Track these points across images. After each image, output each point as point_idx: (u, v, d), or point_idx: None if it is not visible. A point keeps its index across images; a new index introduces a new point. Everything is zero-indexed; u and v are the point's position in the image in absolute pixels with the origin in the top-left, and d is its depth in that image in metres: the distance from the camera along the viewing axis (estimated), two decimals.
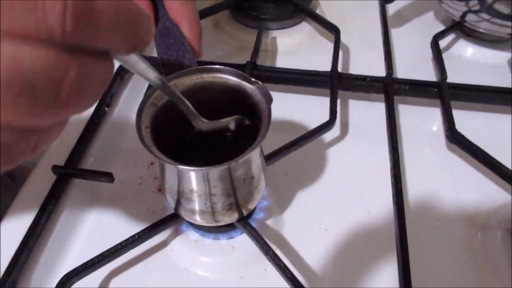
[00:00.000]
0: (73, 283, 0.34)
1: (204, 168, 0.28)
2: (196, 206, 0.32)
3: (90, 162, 0.45)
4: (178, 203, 0.33)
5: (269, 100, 0.30)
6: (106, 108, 0.48)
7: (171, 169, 0.31)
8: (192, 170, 0.28)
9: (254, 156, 0.32)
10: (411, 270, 0.35)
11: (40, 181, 0.41)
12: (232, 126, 0.33)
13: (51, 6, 0.15)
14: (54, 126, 0.19)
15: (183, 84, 0.32)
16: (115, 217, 0.42)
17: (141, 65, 0.23)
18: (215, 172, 0.30)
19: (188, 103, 0.29)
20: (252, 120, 0.31)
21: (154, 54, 0.39)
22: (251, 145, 0.29)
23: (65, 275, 0.33)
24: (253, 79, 0.32)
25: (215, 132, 0.32)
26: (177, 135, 0.32)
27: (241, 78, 0.32)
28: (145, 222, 0.40)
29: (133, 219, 0.41)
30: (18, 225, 0.38)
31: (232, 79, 0.32)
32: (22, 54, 0.15)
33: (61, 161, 0.42)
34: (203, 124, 0.31)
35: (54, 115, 0.17)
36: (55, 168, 0.40)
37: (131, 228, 0.40)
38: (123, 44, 0.19)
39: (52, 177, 0.41)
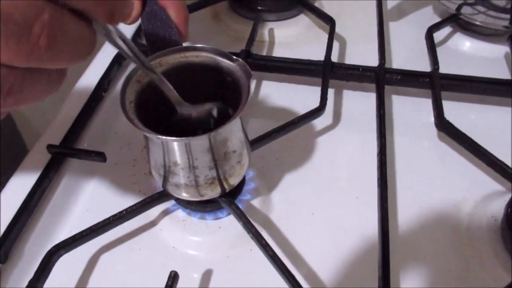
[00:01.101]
0: (61, 255, 0.35)
1: (185, 138, 0.29)
2: (181, 180, 0.33)
3: (85, 144, 0.46)
4: (164, 178, 0.34)
5: (249, 75, 0.31)
6: (103, 93, 0.49)
7: (156, 142, 0.32)
8: (174, 140, 0.29)
9: (235, 129, 0.33)
10: (394, 254, 0.35)
11: (36, 160, 0.42)
12: (214, 112, 0.34)
13: None
14: (46, 74, 0.21)
15: (167, 63, 0.33)
16: (108, 196, 0.43)
17: (120, 42, 0.24)
18: (195, 142, 0.31)
19: (169, 85, 0.30)
20: (234, 97, 0.32)
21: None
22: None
23: (53, 246, 0.34)
24: (234, 57, 0.33)
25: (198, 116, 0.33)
26: (162, 114, 0.34)
27: (223, 56, 0.33)
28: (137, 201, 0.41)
29: (125, 199, 0.43)
30: (13, 200, 0.39)
31: (215, 58, 0.33)
32: None
33: (57, 142, 0.44)
34: (185, 108, 0.32)
35: (30, 54, 0.19)
36: (50, 147, 0.41)
37: (123, 207, 0.41)
38: (99, 9, 0.20)
39: (48, 156, 0.42)
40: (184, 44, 0.35)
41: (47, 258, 0.33)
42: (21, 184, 0.41)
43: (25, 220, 0.38)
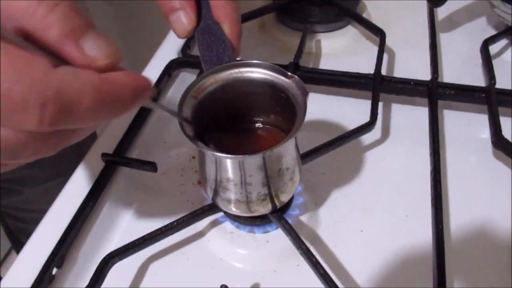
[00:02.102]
0: (115, 262, 0.36)
1: (240, 156, 0.29)
2: (232, 195, 0.33)
3: (136, 152, 0.47)
4: (215, 192, 0.34)
5: (305, 93, 0.31)
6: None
7: (209, 157, 0.32)
8: (228, 158, 0.29)
9: (289, 147, 0.32)
10: (448, 276, 0.34)
11: (90, 167, 0.44)
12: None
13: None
14: None
15: (222, 79, 0.34)
16: (156, 205, 0.44)
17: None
18: (250, 160, 0.31)
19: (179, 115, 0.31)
20: (289, 114, 0.32)
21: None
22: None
23: (107, 255, 0.35)
24: (289, 73, 0.33)
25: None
26: (217, 127, 0.34)
27: (277, 73, 0.33)
28: (185, 212, 0.41)
29: (173, 208, 0.43)
30: (68, 206, 0.41)
31: (269, 74, 0.33)
32: None
33: (110, 150, 0.45)
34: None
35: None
36: (104, 156, 0.43)
37: (171, 217, 0.41)
38: (110, 116, 0.22)
39: (101, 164, 0.44)
40: (237, 60, 0.35)
41: (102, 265, 0.34)
42: (76, 191, 0.42)
43: (80, 226, 0.39)
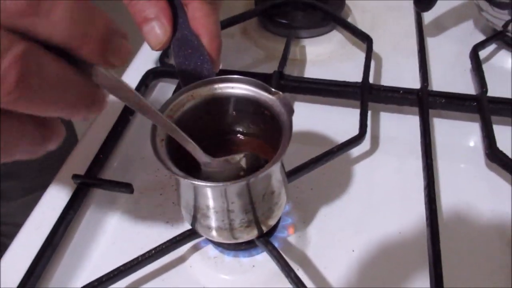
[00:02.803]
0: None
1: (221, 184, 0.27)
2: (213, 223, 0.31)
3: (112, 170, 0.44)
4: (194, 218, 0.32)
5: (290, 111, 0.29)
6: (130, 116, 0.47)
7: (187, 184, 0.29)
8: (209, 186, 0.27)
9: (275, 171, 0.30)
10: None
11: (60, 189, 0.41)
12: (243, 163, 0.31)
13: None
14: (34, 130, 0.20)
15: (200, 95, 0.31)
16: (134, 228, 0.41)
17: (131, 94, 0.22)
18: (233, 188, 0.28)
19: (194, 144, 0.28)
20: (273, 132, 0.30)
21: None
22: (272, 159, 0.27)
23: None
24: (273, 89, 0.30)
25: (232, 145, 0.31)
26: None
27: (260, 88, 0.31)
28: (164, 234, 0.38)
29: (152, 231, 0.40)
30: (37, 233, 0.38)
31: (251, 89, 0.31)
32: None
33: (83, 169, 0.42)
34: (211, 167, 0.30)
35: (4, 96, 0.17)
36: (75, 177, 0.40)
37: (150, 240, 0.39)
38: (84, 46, 0.19)
39: (73, 186, 0.41)
40: (216, 74, 0.33)
41: None
42: (45, 216, 0.39)
43: (50, 255, 0.36)
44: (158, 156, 0.27)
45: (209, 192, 0.28)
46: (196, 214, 0.31)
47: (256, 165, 0.30)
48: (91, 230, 0.40)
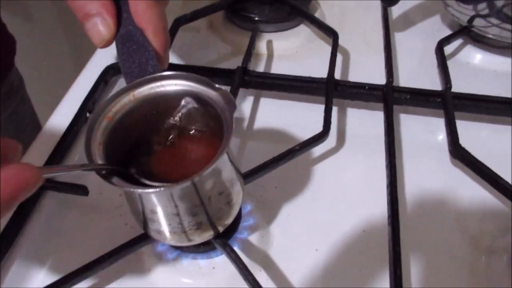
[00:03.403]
0: None
1: (160, 188, 0.25)
2: (162, 227, 0.29)
3: None
4: (144, 223, 0.30)
5: (232, 107, 0.28)
6: (88, 114, 0.45)
7: (127, 191, 0.28)
8: (147, 192, 0.26)
9: (220, 168, 0.29)
10: None
11: None
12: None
13: None
14: None
15: (142, 94, 0.30)
16: (91, 230, 0.39)
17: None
18: (174, 191, 0.27)
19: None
20: (219, 128, 0.28)
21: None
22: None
23: None
24: (216, 86, 0.29)
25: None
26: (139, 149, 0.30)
27: (204, 85, 0.29)
28: (122, 237, 0.37)
29: (110, 233, 0.39)
30: None
31: (195, 86, 0.30)
32: None
33: None
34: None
35: None
36: None
37: (107, 243, 0.37)
38: None
39: None
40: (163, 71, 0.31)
41: None
42: None
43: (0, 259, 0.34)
44: (90, 161, 0.26)
45: (149, 197, 0.27)
46: (144, 219, 0.30)
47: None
48: (46, 233, 0.38)
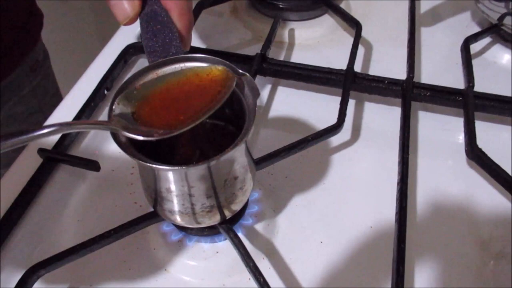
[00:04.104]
0: (41, 275, 0.32)
1: (182, 167, 0.26)
2: (174, 207, 0.30)
3: (82, 146, 0.43)
4: (155, 201, 0.31)
5: (256, 94, 0.28)
6: (106, 92, 0.46)
7: (146, 167, 0.28)
8: (168, 170, 0.26)
9: (237, 155, 0.29)
10: None
11: (26, 164, 0.40)
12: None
13: None
14: None
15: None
16: (101, 206, 0.40)
17: None
18: (193, 171, 0.27)
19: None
20: (239, 114, 0.28)
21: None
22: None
23: (32, 266, 0.31)
24: (240, 71, 0.29)
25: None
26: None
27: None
28: (131, 215, 0.37)
29: (119, 211, 0.39)
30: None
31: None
32: None
33: (51, 144, 0.41)
34: None
35: None
36: (41, 151, 0.39)
37: (115, 220, 0.37)
38: None
39: (39, 161, 0.40)
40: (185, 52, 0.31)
41: (25, 279, 0.31)
42: (8, 189, 0.38)
43: (9, 229, 0.35)
44: (114, 138, 0.26)
45: (169, 175, 0.27)
46: (157, 197, 0.30)
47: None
48: (57, 206, 0.39)
